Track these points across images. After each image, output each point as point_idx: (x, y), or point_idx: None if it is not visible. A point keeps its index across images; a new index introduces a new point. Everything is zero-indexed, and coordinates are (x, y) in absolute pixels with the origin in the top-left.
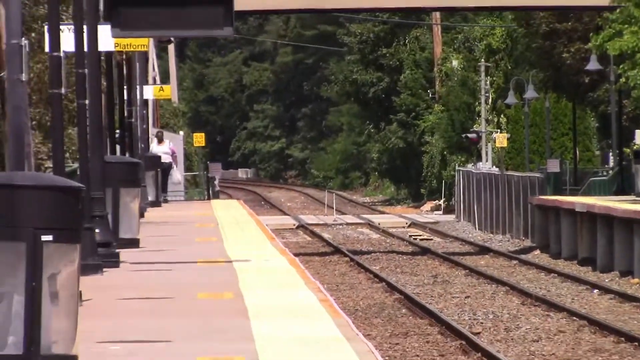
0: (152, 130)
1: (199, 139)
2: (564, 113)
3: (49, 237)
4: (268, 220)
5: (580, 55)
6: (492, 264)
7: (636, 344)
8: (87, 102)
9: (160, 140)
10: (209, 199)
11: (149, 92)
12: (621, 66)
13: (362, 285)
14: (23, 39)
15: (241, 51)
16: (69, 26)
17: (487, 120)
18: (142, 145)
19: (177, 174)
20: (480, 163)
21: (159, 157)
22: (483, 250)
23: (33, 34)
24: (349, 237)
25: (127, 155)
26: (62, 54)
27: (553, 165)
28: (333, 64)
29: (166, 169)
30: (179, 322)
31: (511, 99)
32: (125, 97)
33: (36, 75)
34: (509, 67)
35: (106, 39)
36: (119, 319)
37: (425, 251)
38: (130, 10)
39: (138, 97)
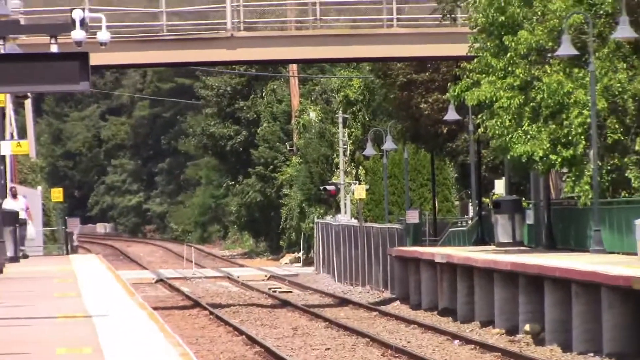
0: (10, 186)
1: (57, 194)
2: (423, 164)
3: None
4: (127, 275)
5: (438, 105)
6: (352, 315)
7: None
8: None
9: (14, 196)
10: (67, 254)
11: (7, 147)
12: (480, 116)
13: (222, 339)
14: None
15: (98, 105)
16: None
17: (345, 172)
18: (0, 201)
19: (32, 229)
20: (339, 215)
21: (17, 212)
22: (343, 302)
23: None
24: (209, 291)
25: None
26: None
27: (412, 216)
28: (190, 117)
29: (21, 225)
30: None
31: (369, 150)
32: None
33: None
34: (367, 119)
35: None
36: None
37: (285, 304)
38: None
39: None
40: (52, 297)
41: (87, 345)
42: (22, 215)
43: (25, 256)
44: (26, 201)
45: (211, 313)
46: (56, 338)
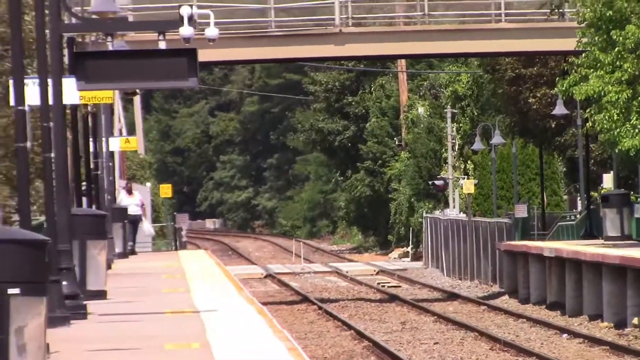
0: (119, 182)
1: (166, 190)
2: (531, 158)
3: (16, 291)
4: (236, 270)
5: (547, 100)
6: (460, 309)
7: None
8: (52, 155)
9: (129, 192)
10: (176, 249)
11: (115, 144)
12: (588, 110)
13: (331, 334)
14: None
15: (207, 101)
16: (34, 80)
17: (453, 167)
18: (109, 197)
19: (148, 226)
20: (448, 209)
21: (126, 208)
22: (451, 296)
23: None
24: (317, 286)
25: (93, 207)
26: (27, 108)
27: (521, 211)
28: (299, 113)
29: (135, 221)
30: None
31: (478, 145)
32: (91, 149)
33: (2, 129)
34: (475, 113)
35: (71, 92)
36: None
37: (393, 298)
38: (94, 63)
39: (104, 149)
40: (161, 293)
41: (195, 340)
42: (138, 211)
43: (134, 252)
44: (141, 197)
45: (320, 308)
46: (165, 333)
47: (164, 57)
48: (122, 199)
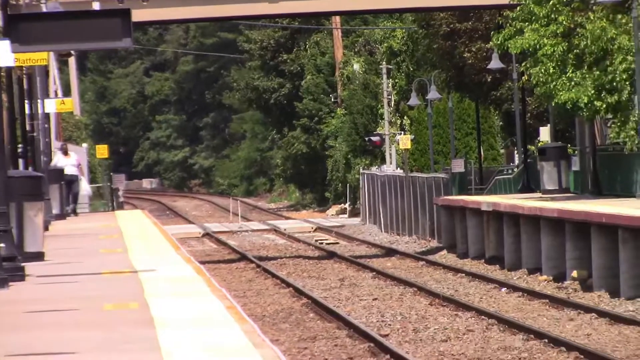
0: (56, 144)
1: (102, 150)
2: (468, 113)
3: None
4: (173, 230)
5: (482, 54)
6: (399, 265)
7: (545, 340)
8: None
9: (65, 153)
10: (113, 210)
11: (51, 105)
12: (523, 64)
13: (269, 291)
14: None
15: (142, 62)
16: None
17: (390, 123)
18: (45, 159)
19: (86, 186)
20: (385, 165)
21: (62, 169)
22: (390, 252)
23: None
24: (255, 244)
25: (30, 169)
26: None
27: (458, 165)
28: (234, 71)
29: (72, 182)
30: (85, 334)
31: (414, 100)
32: (27, 111)
33: None
34: (411, 69)
35: (5, 54)
36: (25, 332)
37: (331, 255)
38: (28, 25)
39: (40, 111)
40: (99, 254)
41: (134, 300)
42: (74, 171)
43: (76, 213)
44: (78, 157)
45: (258, 266)
46: (103, 294)
47: (97, 17)
48: (59, 160)
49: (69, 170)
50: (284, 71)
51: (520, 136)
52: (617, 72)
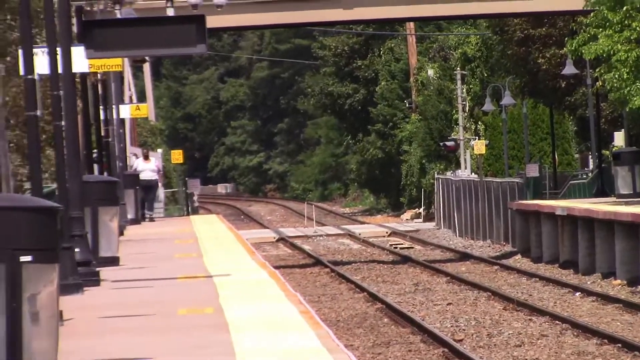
0: (130, 149)
1: (177, 155)
2: (542, 118)
3: (28, 258)
4: (248, 234)
5: (556, 60)
6: (473, 270)
7: (619, 345)
8: (63, 123)
9: (146, 158)
10: (188, 215)
11: (126, 111)
12: (597, 70)
13: (344, 296)
14: None
15: (217, 68)
16: (43, 49)
17: (464, 128)
18: (120, 164)
19: (161, 192)
20: (459, 170)
21: (138, 175)
22: (464, 256)
23: (8, 58)
24: (330, 248)
25: (105, 174)
26: (36, 77)
27: (532, 170)
28: (309, 77)
29: (152, 187)
30: (159, 339)
31: (488, 106)
32: (102, 117)
33: (12, 99)
34: (485, 75)
35: (80, 60)
36: (100, 337)
37: (406, 260)
38: (103, 31)
39: (115, 116)
40: (173, 259)
41: (209, 305)
42: (154, 176)
43: (152, 219)
44: (157, 163)
45: (332, 271)
46: (178, 299)
47: (172, 24)
48: (139, 164)
49: (149, 175)
50: (358, 77)
51: (594, 141)
52: None
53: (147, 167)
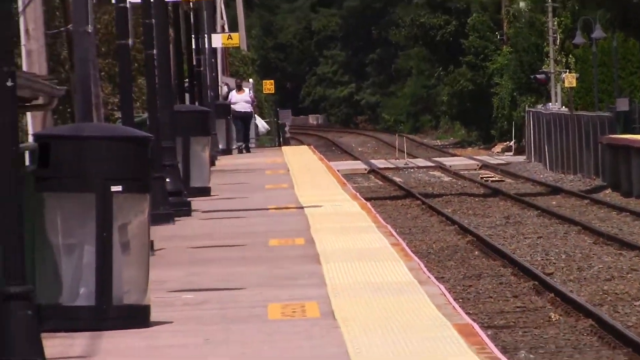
0: (222, 79)
1: (269, 86)
2: (632, 52)
3: (119, 188)
4: (339, 166)
5: None
6: (563, 203)
7: None
8: (154, 52)
9: (239, 88)
10: (279, 145)
11: (217, 40)
12: None
13: (434, 229)
14: None
15: None
16: None
17: (555, 61)
18: (212, 94)
19: (262, 122)
20: (550, 103)
21: (229, 105)
22: (554, 190)
23: None
24: (421, 181)
25: (196, 104)
26: (128, 5)
27: (622, 104)
28: (400, 8)
29: (246, 118)
30: (250, 270)
31: (579, 39)
32: (194, 46)
33: (104, 27)
34: (577, 7)
35: None
36: (191, 267)
37: (496, 193)
38: None
39: (206, 45)
40: (264, 189)
41: (300, 236)
42: (248, 108)
43: (248, 150)
44: (251, 94)
45: (423, 203)
46: (269, 230)
47: None
48: (232, 95)
49: (243, 106)
50: (450, 8)
51: None
52: None
53: (241, 99)
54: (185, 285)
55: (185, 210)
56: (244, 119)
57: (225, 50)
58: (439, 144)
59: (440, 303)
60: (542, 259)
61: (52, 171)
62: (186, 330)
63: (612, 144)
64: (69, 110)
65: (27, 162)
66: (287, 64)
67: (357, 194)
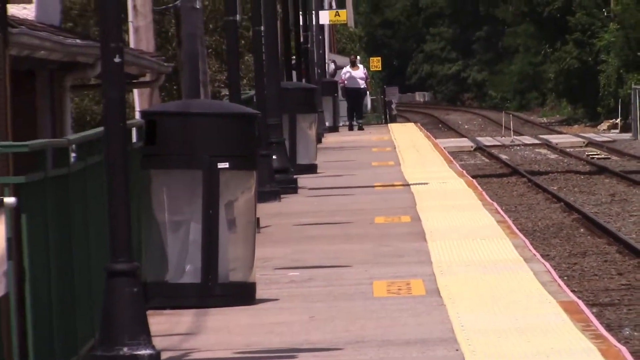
0: (329, 56)
1: (376, 63)
2: None
3: (225, 165)
4: (445, 143)
5: None
6: None
7: None
8: (262, 28)
9: (353, 64)
10: (386, 123)
11: (325, 17)
12: None
13: (540, 206)
14: None
15: None
16: None
17: None
18: (319, 71)
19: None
20: None
21: (336, 82)
22: None
23: None
24: (527, 158)
25: (303, 81)
26: None
27: None
28: None
29: (360, 95)
30: (356, 247)
31: None
32: (301, 23)
33: (211, 3)
34: None
35: None
36: (297, 245)
37: (602, 170)
38: None
39: (314, 22)
40: (371, 166)
41: (406, 213)
42: (362, 84)
43: (360, 127)
44: (365, 71)
45: (529, 180)
46: (375, 207)
47: None
48: (347, 72)
49: (357, 83)
50: None
51: None
52: None
53: (356, 75)
54: (291, 262)
55: (292, 188)
56: (358, 96)
57: (333, 27)
58: (545, 121)
59: (545, 280)
60: None
61: (159, 148)
62: (291, 308)
63: None
64: (175, 87)
65: (134, 139)
66: (394, 40)
67: (464, 171)
